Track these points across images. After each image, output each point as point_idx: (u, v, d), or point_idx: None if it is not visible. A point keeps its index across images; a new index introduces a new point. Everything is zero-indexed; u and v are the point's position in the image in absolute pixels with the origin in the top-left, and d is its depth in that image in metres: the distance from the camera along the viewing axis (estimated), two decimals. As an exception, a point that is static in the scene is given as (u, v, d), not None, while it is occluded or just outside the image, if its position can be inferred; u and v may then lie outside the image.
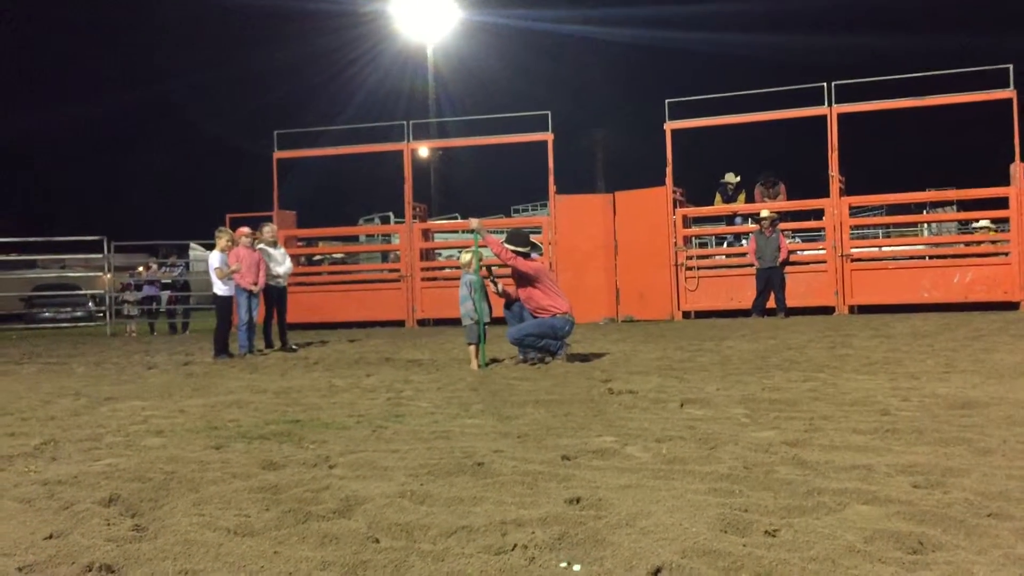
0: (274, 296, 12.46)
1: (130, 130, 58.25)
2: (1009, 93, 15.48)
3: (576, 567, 2.73)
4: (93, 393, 7.81)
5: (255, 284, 11.74)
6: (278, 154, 19.07)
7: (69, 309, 24.83)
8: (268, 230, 12.53)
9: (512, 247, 9.06)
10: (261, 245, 12.29)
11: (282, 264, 12.48)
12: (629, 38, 44.86)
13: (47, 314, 24.60)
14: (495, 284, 9.31)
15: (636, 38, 45.12)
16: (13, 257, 23.29)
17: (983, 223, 17.06)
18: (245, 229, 12.18)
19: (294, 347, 12.26)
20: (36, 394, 7.87)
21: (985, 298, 15.31)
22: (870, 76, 16.66)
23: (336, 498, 3.62)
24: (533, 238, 9.76)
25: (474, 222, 9.50)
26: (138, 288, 20.63)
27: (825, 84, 16.45)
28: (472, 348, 9.12)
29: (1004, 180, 15.94)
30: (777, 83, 17.25)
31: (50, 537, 3.22)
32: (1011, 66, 15.47)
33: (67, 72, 54.34)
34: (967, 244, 17.37)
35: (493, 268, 9.66)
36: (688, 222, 17.56)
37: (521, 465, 4.12)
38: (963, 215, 17.92)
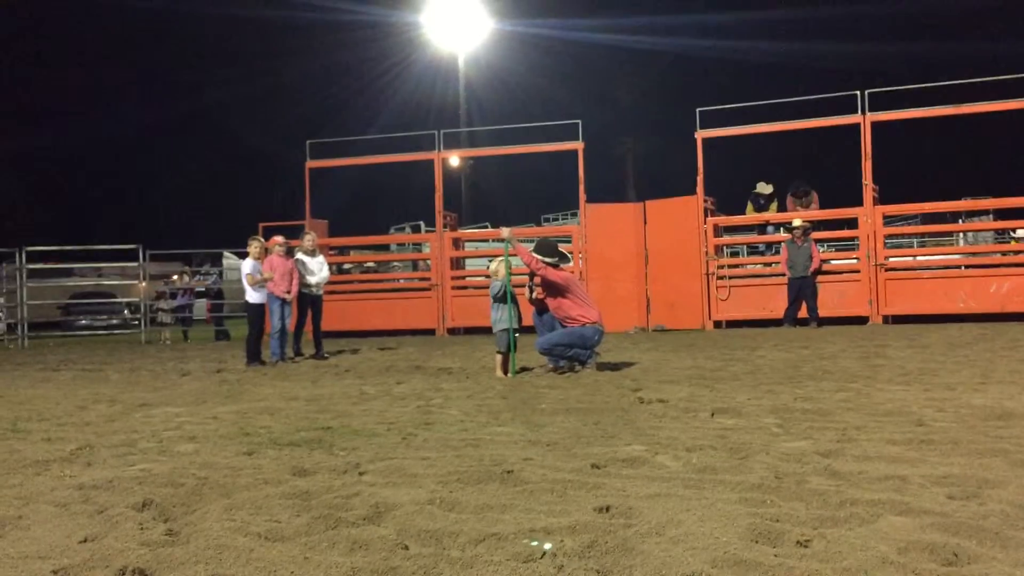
0: (307, 304, 12.57)
1: (166, 140, 59.08)
2: (1047, 100, 15.25)
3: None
4: (128, 399, 7.90)
5: (288, 292, 11.85)
6: (310, 163, 19.22)
7: (105, 317, 25.18)
8: (308, 240, 12.65)
9: (541, 257, 9.06)
10: (299, 255, 12.43)
11: (316, 274, 12.54)
12: (660, 47, 44.79)
13: (83, 321, 24.96)
14: (531, 291, 9.31)
15: (667, 47, 45.04)
16: (51, 265, 23.66)
17: (1022, 232, 16.79)
18: (279, 238, 12.30)
19: (325, 355, 12.32)
20: (72, 400, 7.98)
21: (1022, 308, 15.06)
22: (904, 84, 16.50)
23: (366, 504, 3.63)
24: (561, 247, 9.74)
25: (505, 231, 9.52)
26: (173, 296, 20.87)
27: (859, 92, 16.30)
28: (499, 357, 9.13)
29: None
30: (810, 91, 17.14)
31: (84, 541, 3.26)
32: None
33: (104, 84, 55.22)
34: (1004, 254, 17.09)
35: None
36: (719, 231, 17.46)
37: (550, 473, 4.12)
38: (1000, 224, 17.65)
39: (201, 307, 22.75)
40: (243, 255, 12.47)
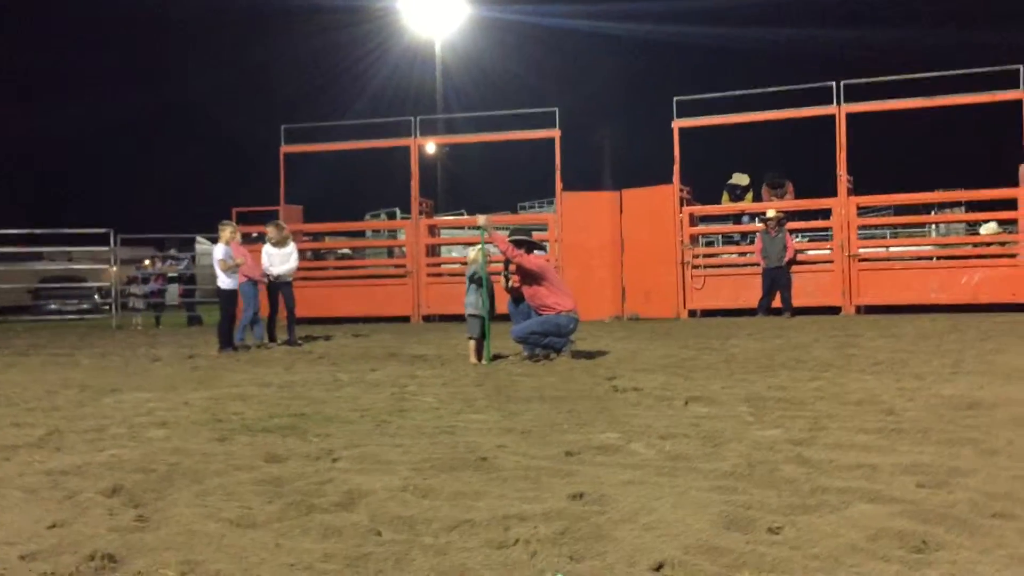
0: (276, 291, 12.55)
1: (137, 124, 58.35)
2: (1018, 94, 15.37)
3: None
4: (98, 385, 7.82)
5: (265, 276, 11.99)
6: (285, 148, 19.06)
7: (75, 301, 24.89)
8: (272, 231, 12.56)
9: (516, 245, 9.07)
10: (265, 246, 12.46)
11: (280, 265, 12.47)
12: (637, 34, 44.75)
13: (53, 306, 24.67)
14: (507, 279, 9.30)
15: (644, 34, 45.00)
16: (20, 249, 23.34)
17: (990, 225, 16.96)
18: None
19: (299, 342, 12.27)
20: (41, 385, 7.89)
21: (993, 299, 15.23)
22: (879, 74, 16.60)
23: (339, 491, 3.62)
24: (537, 236, 9.74)
25: (481, 219, 9.51)
26: (144, 281, 20.67)
27: (834, 83, 16.39)
28: (472, 343, 9.14)
29: (1013, 181, 15.87)
30: (786, 80, 17.17)
31: (53, 526, 3.23)
32: (1021, 67, 15.38)
33: (74, 68, 54.45)
34: (975, 245, 17.28)
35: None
36: (695, 220, 17.52)
37: (524, 460, 4.12)
38: (971, 216, 17.84)
39: (173, 292, 22.54)
40: (215, 240, 12.36)
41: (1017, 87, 15.43)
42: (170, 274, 21.37)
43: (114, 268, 21.13)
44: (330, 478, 3.86)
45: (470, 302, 9.18)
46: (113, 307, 20.67)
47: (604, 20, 43.78)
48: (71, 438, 5.05)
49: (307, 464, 4.20)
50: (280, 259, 12.50)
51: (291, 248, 12.71)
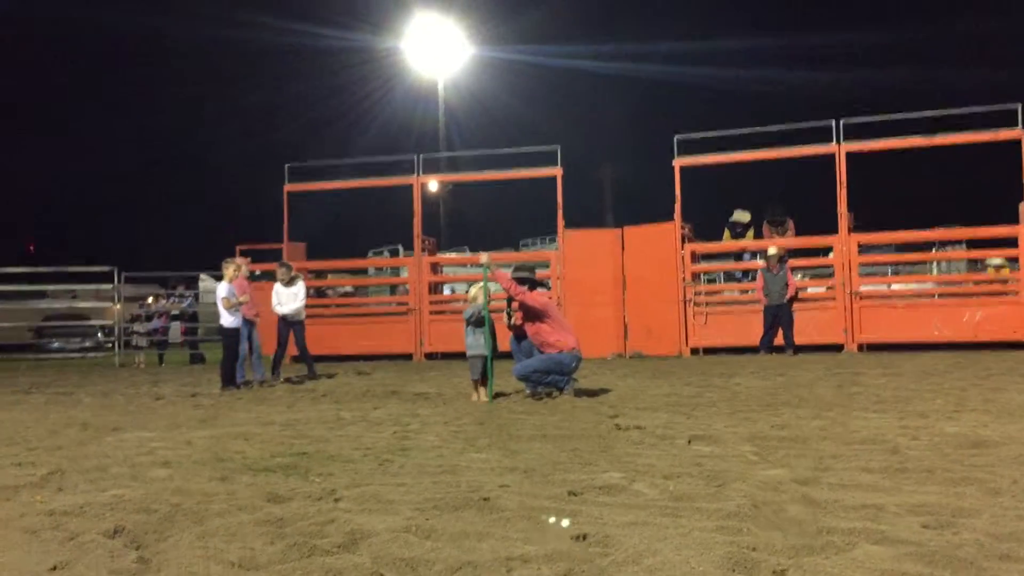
0: (287, 328, 12.74)
1: (143, 162, 58.81)
2: (1018, 133, 15.49)
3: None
4: (100, 423, 7.81)
5: (257, 316, 12.01)
6: (289, 187, 19.19)
7: (78, 339, 24.88)
8: (281, 272, 12.78)
9: (519, 282, 9.09)
10: (275, 286, 12.76)
11: (287, 304, 12.65)
12: (639, 74, 45.21)
13: (56, 344, 24.65)
14: (509, 317, 9.32)
15: (646, 74, 45.48)
16: (24, 287, 23.37)
17: (997, 261, 16.98)
18: (237, 260, 12.33)
19: (315, 375, 12.68)
20: (43, 424, 7.88)
21: (995, 337, 15.22)
22: (879, 113, 16.73)
23: (341, 532, 3.60)
24: (539, 273, 9.77)
25: (484, 257, 9.54)
26: (148, 319, 20.69)
27: (833, 121, 16.51)
28: (474, 383, 9.14)
29: (1013, 218, 15.92)
30: (786, 119, 17.32)
31: (54, 568, 3.21)
32: (1020, 105, 15.50)
33: (79, 104, 55.00)
34: (976, 283, 17.28)
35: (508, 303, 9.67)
36: (697, 258, 17.56)
37: (527, 500, 4.10)
38: (972, 253, 17.87)
39: (176, 330, 22.54)
40: (219, 277, 12.44)
41: (1016, 125, 15.53)
42: (173, 312, 21.40)
43: (117, 306, 21.16)
44: (332, 518, 3.84)
45: (470, 343, 9.19)
46: (116, 345, 20.67)
47: (606, 60, 44.27)
48: (73, 478, 5.04)
49: (309, 504, 4.18)
50: (287, 298, 12.68)
51: (299, 287, 12.86)
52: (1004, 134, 15.77)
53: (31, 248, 44.70)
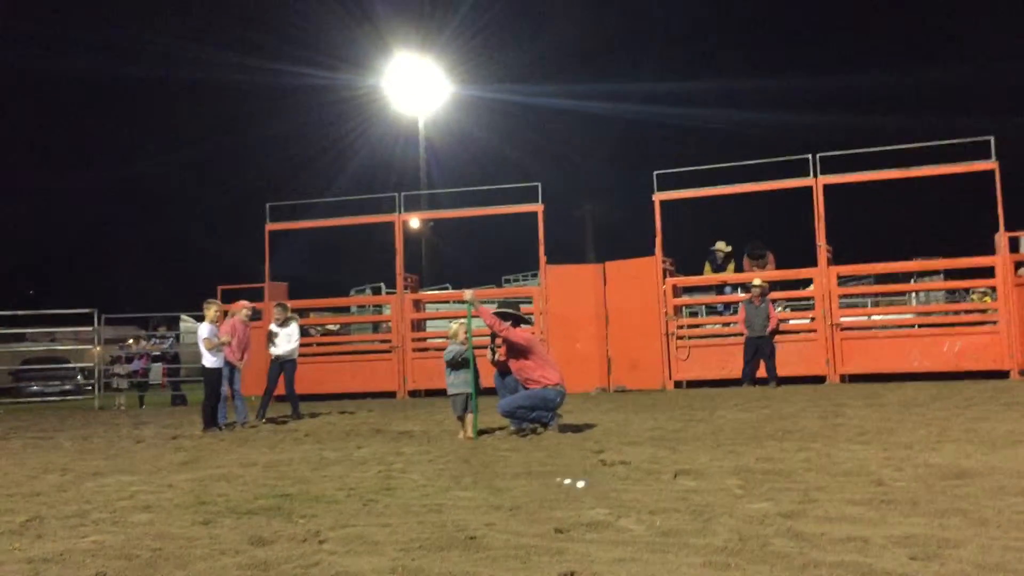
0: (278, 369, 12.73)
1: (121, 203, 58.65)
2: (991, 164, 15.74)
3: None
4: (80, 468, 7.71)
5: (240, 360, 11.96)
6: (270, 226, 19.17)
7: (57, 382, 24.61)
8: (277, 311, 12.82)
9: (502, 318, 9.10)
10: (271, 326, 12.77)
11: (280, 346, 12.65)
12: (619, 112, 45.64)
13: (35, 388, 24.37)
14: (493, 352, 9.32)
15: (625, 112, 45.92)
16: (2, 330, 23.15)
17: (980, 291, 17.18)
18: (244, 303, 12.33)
19: (300, 415, 12.61)
20: (22, 469, 7.77)
21: (975, 367, 15.33)
22: (854, 149, 16.95)
23: (327, 574, 3.57)
24: (523, 309, 9.78)
25: (467, 294, 9.56)
26: (128, 360, 20.52)
27: (810, 156, 16.71)
28: (459, 420, 9.12)
29: (989, 249, 16.11)
30: (763, 155, 17.52)
31: (34, 617, 3.16)
32: (992, 138, 15.77)
33: (56, 146, 54.93)
34: (956, 313, 17.44)
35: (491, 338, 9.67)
36: (678, 291, 17.64)
37: (513, 539, 4.08)
38: (950, 284, 18.04)
39: (157, 371, 22.36)
40: (200, 318, 12.38)
41: (989, 158, 15.78)
42: (154, 353, 21.25)
43: (97, 348, 20.99)
44: (317, 561, 3.81)
45: (451, 382, 9.18)
46: (96, 387, 20.46)
47: (586, 99, 44.66)
48: (52, 524, 4.96)
49: (294, 547, 4.14)
50: (283, 339, 12.67)
51: (292, 328, 12.88)
52: (978, 166, 16.01)
53: (31, 292, 44.44)
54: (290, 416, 12.52)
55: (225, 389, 11.74)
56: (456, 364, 9.12)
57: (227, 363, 11.74)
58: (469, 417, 9.05)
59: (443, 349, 15.55)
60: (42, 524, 4.97)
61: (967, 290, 17.98)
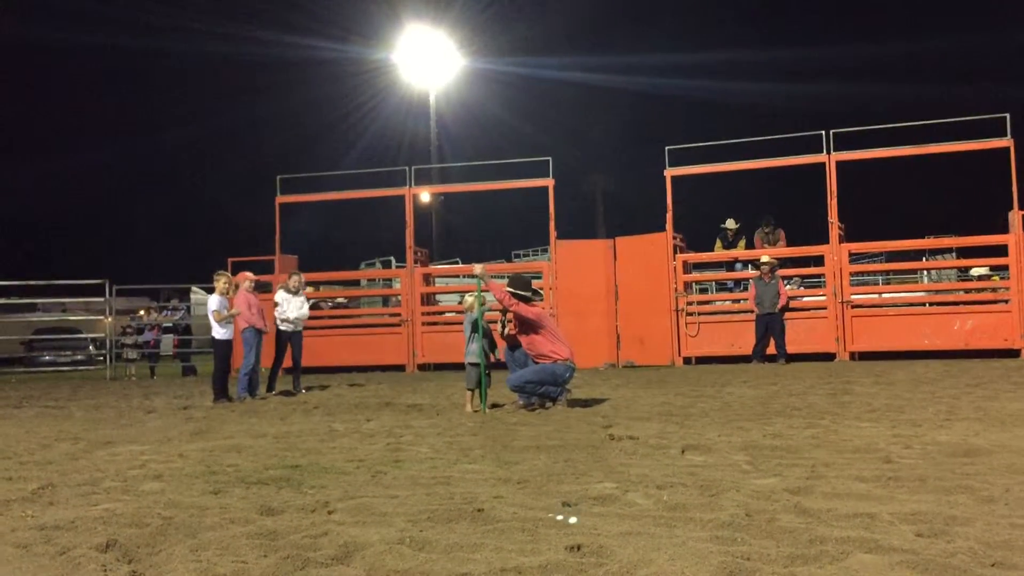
0: (285, 340, 12.67)
1: (133, 175, 58.73)
2: (1006, 142, 15.59)
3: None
4: (91, 437, 7.77)
5: (266, 326, 12.01)
6: (280, 199, 19.18)
7: (69, 352, 24.79)
8: (293, 280, 12.77)
9: (513, 291, 9.09)
10: (281, 293, 12.75)
11: (293, 312, 12.65)
12: (630, 85, 45.29)
13: (47, 357, 24.56)
14: (503, 327, 9.33)
15: (637, 85, 45.55)
16: (14, 300, 23.29)
17: (981, 271, 17.07)
18: (247, 274, 12.31)
19: (303, 390, 12.49)
20: (34, 438, 7.84)
21: (985, 345, 15.28)
22: (868, 124, 16.82)
23: (335, 544, 3.59)
24: (534, 284, 9.77)
25: (478, 268, 9.56)
26: (139, 332, 20.63)
27: (823, 132, 16.59)
28: (469, 393, 9.14)
29: (1003, 227, 16.00)
30: (776, 131, 17.41)
31: (46, 583, 3.19)
32: (1008, 115, 15.61)
33: (70, 119, 54.89)
34: (967, 291, 17.36)
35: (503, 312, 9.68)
36: (688, 268, 17.60)
37: (521, 511, 4.10)
38: (962, 262, 17.95)
39: (168, 343, 22.47)
40: (211, 290, 12.41)
41: (1004, 135, 15.64)
42: (165, 324, 21.35)
43: (109, 319, 21.10)
44: (326, 531, 3.83)
45: (472, 351, 9.19)
46: (107, 358, 20.59)
47: (598, 72, 44.36)
48: (64, 492, 5.01)
49: (302, 517, 4.17)
50: (295, 306, 12.69)
51: (303, 298, 12.94)
52: (993, 143, 15.87)
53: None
54: (298, 388, 12.50)
55: (253, 358, 11.73)
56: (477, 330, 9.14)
57: (257, 332, 11.79)
58: (477, 391, 9.08)
59: (452, 323, 15.69)
60: (54, 492, 5.02)
61: (967, 268, 17.88)
